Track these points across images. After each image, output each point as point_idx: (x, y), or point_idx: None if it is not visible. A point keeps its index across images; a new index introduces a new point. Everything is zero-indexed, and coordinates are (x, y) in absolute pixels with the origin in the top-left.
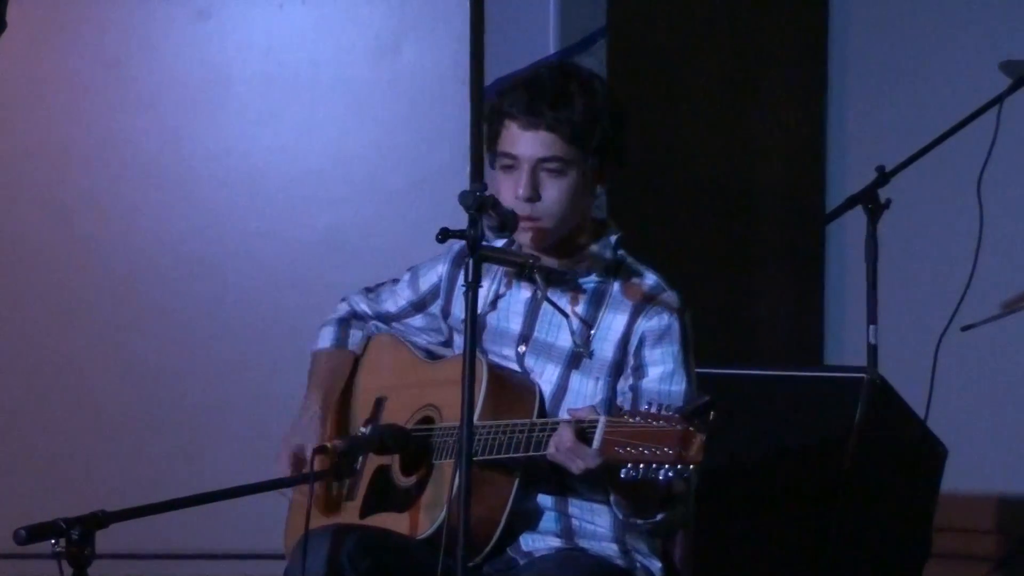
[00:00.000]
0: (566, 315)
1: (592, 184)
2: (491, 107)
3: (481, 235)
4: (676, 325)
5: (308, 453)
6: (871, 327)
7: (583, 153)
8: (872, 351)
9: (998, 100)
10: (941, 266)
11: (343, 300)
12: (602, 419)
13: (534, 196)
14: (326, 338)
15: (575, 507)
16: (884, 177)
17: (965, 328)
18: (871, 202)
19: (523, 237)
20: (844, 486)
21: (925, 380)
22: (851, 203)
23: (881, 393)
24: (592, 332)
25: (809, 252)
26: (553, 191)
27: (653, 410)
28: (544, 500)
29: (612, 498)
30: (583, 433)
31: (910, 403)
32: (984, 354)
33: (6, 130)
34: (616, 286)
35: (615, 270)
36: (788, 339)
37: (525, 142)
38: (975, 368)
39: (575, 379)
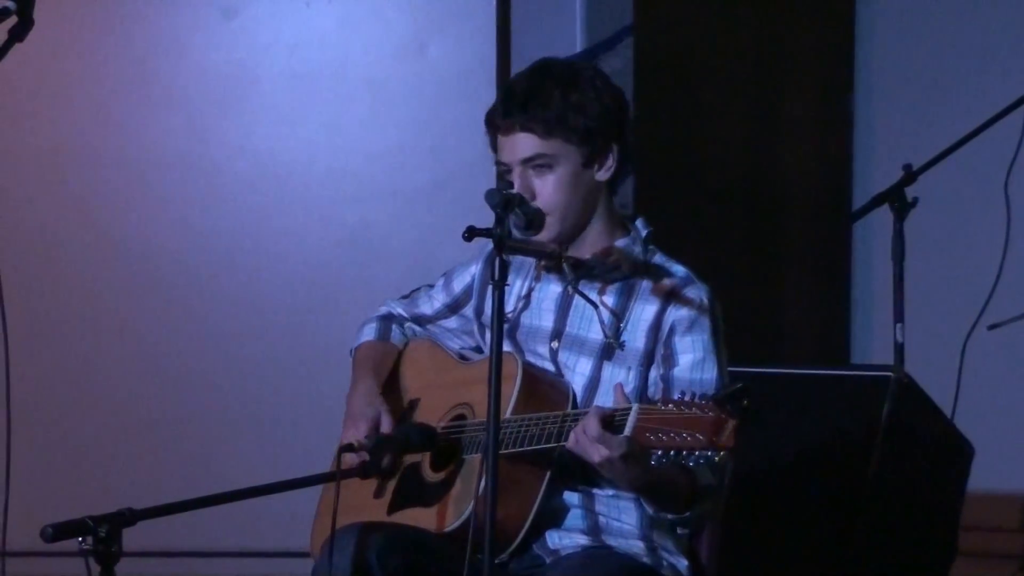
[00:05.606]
0: (596, 305)
1: (590, 171)
2: (485, 120)
3: (508, 233)
4: (706, 314)
5: (382, 421)
6: (898, 325)
7: (568, 144)
8: (899, 349)
9: None
10: (968, 265)
11: (382, 305)
12: (635, 406)
13: (529, 198)
14: (369, 332)
15: (602, 504)
16: (911, 176)
17: (992, 327)
18: (898, 200)
19: (540, 236)
20: (871, 485)
21: (952, 379)
22: (878, 201)
23: (908, 392)
24: (623, 323)
25: (836, 250)
26: (545, 187)
27: (687, 398)
28: (571, 497)
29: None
30: (612, 421)
31: (937, 401)
32: (1011, 352)
33: (34, 128)
34: (645, 281)
35: (644, 266)
36: (815, 338)
37: (507, 147)
38: (1002, 366)
39: (607, 370)
